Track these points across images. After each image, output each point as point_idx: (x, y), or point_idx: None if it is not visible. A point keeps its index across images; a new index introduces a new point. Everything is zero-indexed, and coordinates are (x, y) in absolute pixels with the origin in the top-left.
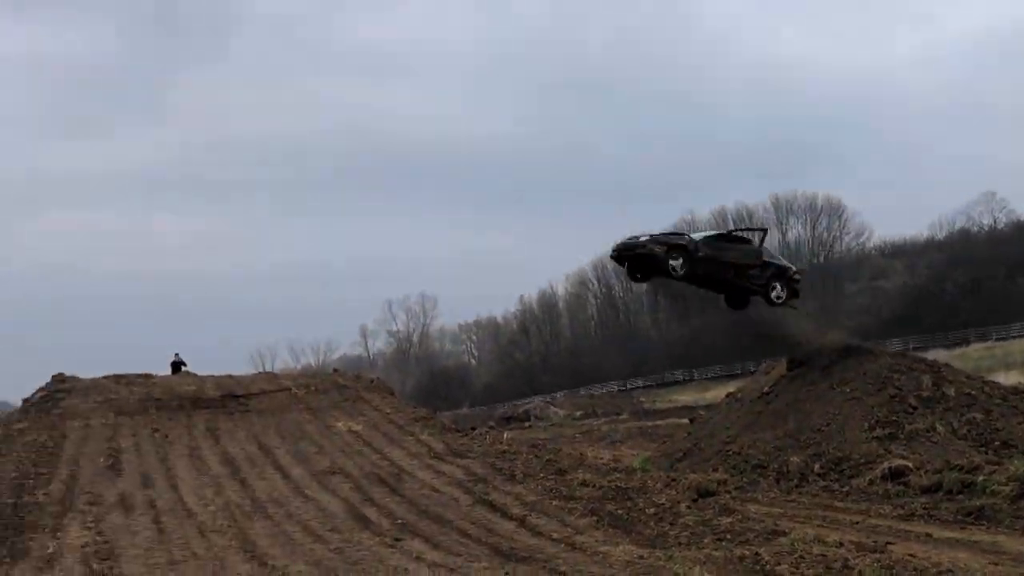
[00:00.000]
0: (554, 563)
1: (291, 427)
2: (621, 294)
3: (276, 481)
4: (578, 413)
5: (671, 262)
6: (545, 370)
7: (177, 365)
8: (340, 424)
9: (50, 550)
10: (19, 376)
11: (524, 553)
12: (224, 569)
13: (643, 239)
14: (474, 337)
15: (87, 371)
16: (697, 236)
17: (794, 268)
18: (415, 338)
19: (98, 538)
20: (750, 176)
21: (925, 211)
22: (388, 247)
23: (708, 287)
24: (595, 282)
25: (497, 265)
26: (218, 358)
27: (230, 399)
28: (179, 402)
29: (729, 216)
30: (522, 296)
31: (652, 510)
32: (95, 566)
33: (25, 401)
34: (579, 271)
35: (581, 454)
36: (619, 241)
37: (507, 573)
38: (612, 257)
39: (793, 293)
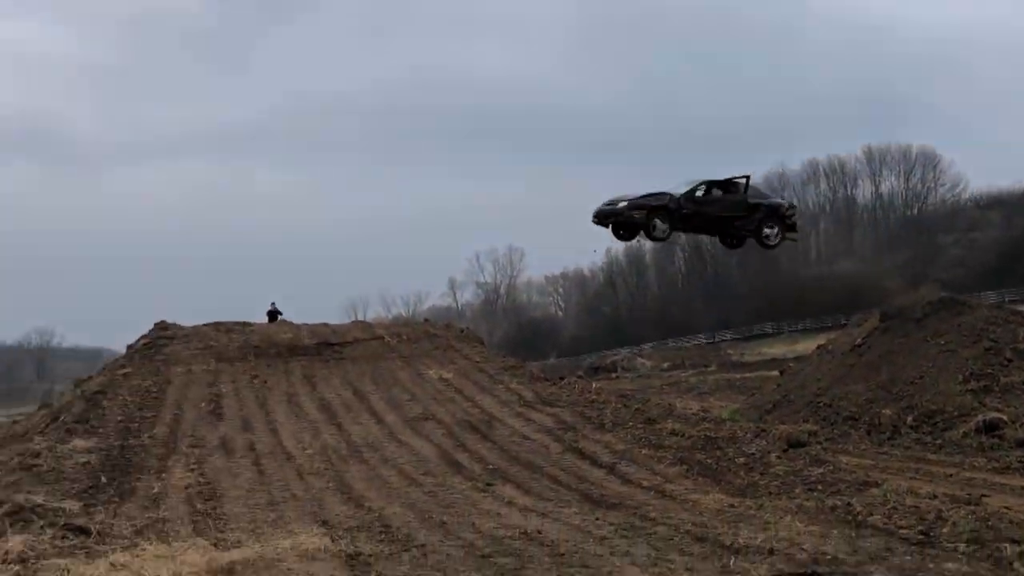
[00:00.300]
0: (644, 510)
1: (384, 374)
2: (710, 246)
3: (371, 426)
4: (665, 365)
5: (653, 225)
6: (632, 322)
7: (273, 314)
8: (432, 372)
9: (156, 490)
10: (121, 324)
11: (614, 500)
12: (322, 509)
13: (621, 205)
14: (561, 289)
15: (187, 320)
16: (679, 191)
17: (786, 203)
18: (502, 290)
19: (201, 479)
20: (843, 127)
21: (1022, 162)
22: (476, 199)
23: (699, 232)
24: (683, 235)
25: (584, 217)
26: (312, 308)
27: (325, 347)
28: (276, 350)
29: (821, 168)
30: (608, 248)
31: (742, 460)
32: (199, 506)
33: (129, 348)
34: None
35: (670, 404)
36: (599, 206)
37: (597, 519)
38: (593, 222)
39: (789, 228)
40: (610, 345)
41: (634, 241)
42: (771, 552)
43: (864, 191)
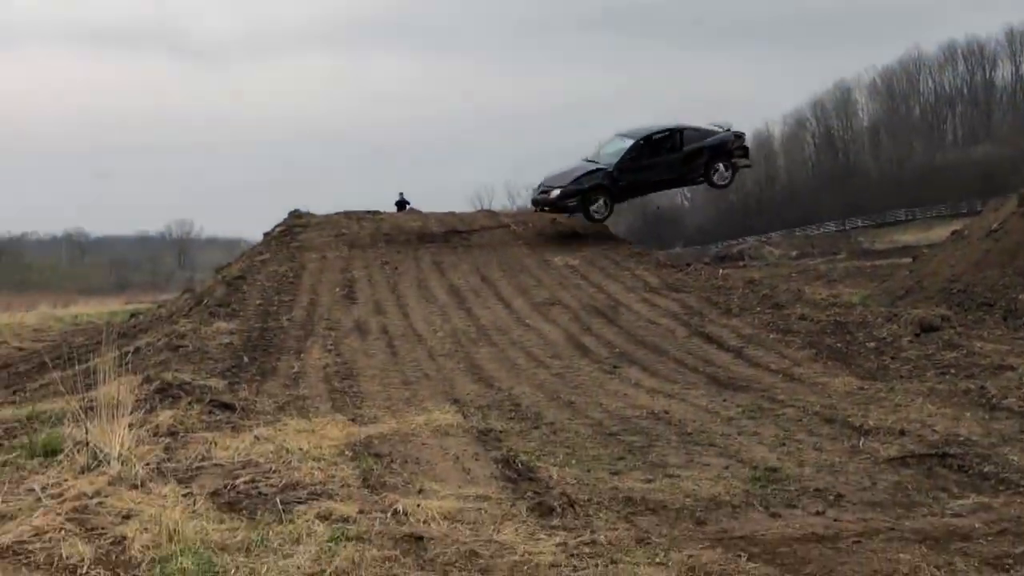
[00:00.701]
0: (772, 392)
1: (511, 261)
2: (841, 132)
3: (499, 311)
4: (794, 253)
5: (592, 207)
6: (760, 211)
7: (402, 204)
8: (557, 259)
9: (295, 369)
10: (256, 211)
11: (741, 383)
12: (454, 389)
13: (554, 193)
14: None
15: (319, 210)
16: (612, 162)
17: (732, 133)
18: None
19: (337, 359)
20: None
21: None
22: (598, 89)
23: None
24: (813, 121)
25: (711, 105)
26: (439, 198)
27: (453, 235)
28: (406, 237)
29: (959, 50)
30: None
31: (872, 344)
32: (336, 384)
33: (266, 235)
34: (796, 111)
35: (798, 290)
36: (535, 193)
37: (724, 400)
38: (535, 209)
39: (742, 156)
40: (737, 234)
41: (763, 127)
42: (902, 433)
43: (1003, 73)
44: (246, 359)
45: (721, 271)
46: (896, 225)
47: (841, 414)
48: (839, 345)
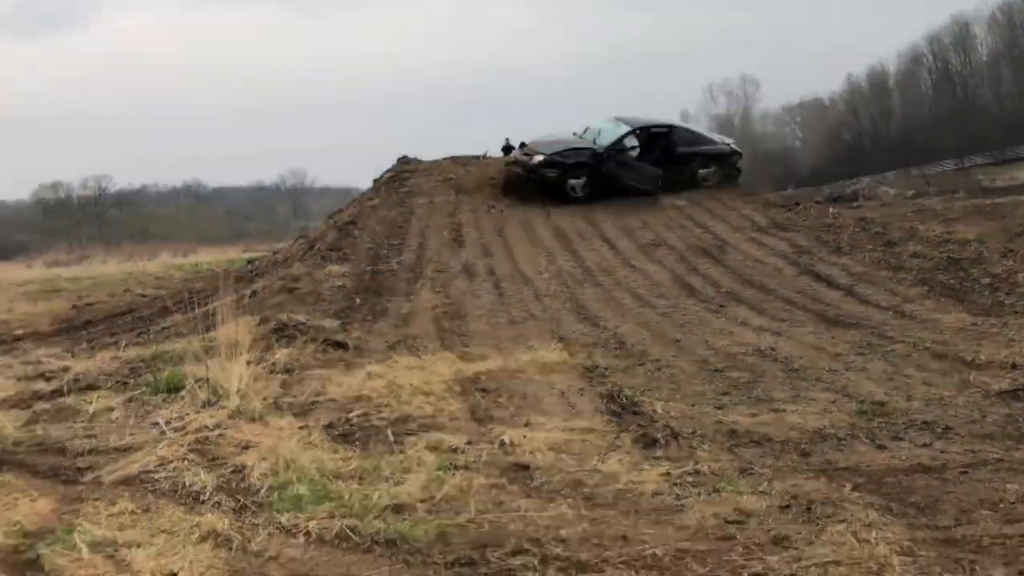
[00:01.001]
0: (881, 329)
1: (616, 203)
2: (959, 68)
3: (604, 252)
4: (909, 192)
5: (572, 182)
6: (875, 151)
7: (508, 149)
8: (663, 200)
9: (405, 310)
10: (367, 160)
11: (850, 320)
12: (560, 327)
13: (536, 159)
14: (799, 119)
15: (426, 156)
16: (604, 141)
17: (731, 149)
18: (736, 121)
19: (446, 300)
20: None
21: None
22: (707, 30)
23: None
24: (929, 57)
25: (823, 44)
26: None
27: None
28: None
29: None
30: (849, 75)
31: (987, 280)
32: (445, 324)
33: (375, 182)
34: (912, 47)
35: (911, 228)
36: (517, 153)
37: (833, 337)
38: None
39: (735, 173)
40: (850, 174)
41: (877, 65)
42: (1013, 367)
43: None
44: (358, 301)
45: (831, 210)
46: (1017, 162)
47: (952, 349)
48: (952, 282)
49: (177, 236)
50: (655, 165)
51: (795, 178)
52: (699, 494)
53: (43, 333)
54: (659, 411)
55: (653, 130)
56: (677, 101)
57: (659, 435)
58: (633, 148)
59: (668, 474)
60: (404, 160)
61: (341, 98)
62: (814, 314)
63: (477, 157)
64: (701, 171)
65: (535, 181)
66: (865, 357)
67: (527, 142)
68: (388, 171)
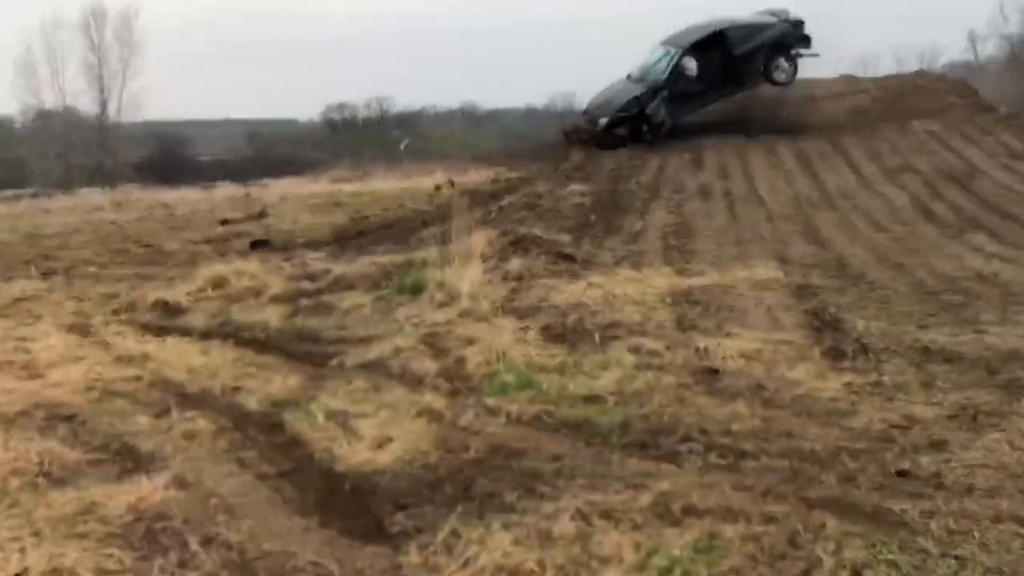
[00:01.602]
0: None
1: (866, 126)
2: None
3: (846, 175)
4: None
5: (645, 133)
6: None
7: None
8: (916, 124)
9: (637, 228)
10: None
11: None
12: (785, 248)
13: (602, 122)
14: None
15: None
16: (658, 75)
17: (789, 23)
18: None
19: (678, 220)
20: None
21: None
22: None
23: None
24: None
25: None
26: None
27: (808, 101)
28: (758, 104)
29: None
30: None
31: None
32: (672, 241)
33: None
34: None
35: None
36: (582, 121)
37: None
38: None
39: (804, 46)
40: None
41: None
42: None
43: None
44: (593, 217)
45: None
46: None
47: None
48: None
49: (452, 156)
50: (721, 78)
51: None
52: (874, 402)
53: (319, 242)
54: (859, 328)
55: (703, 40)
56: (963, 20)
57: (848, 348)
58: (689, 71)
59: (850, 383)
60: None
61: (609, 20)
62: None
63: None
64: (773, 72)
65: (610, 145)
66: None
67: (586, 106)
68: None
